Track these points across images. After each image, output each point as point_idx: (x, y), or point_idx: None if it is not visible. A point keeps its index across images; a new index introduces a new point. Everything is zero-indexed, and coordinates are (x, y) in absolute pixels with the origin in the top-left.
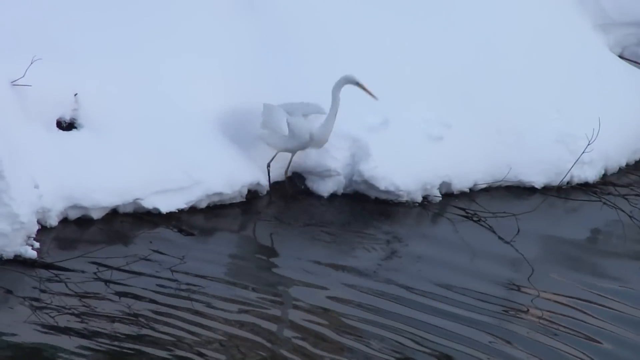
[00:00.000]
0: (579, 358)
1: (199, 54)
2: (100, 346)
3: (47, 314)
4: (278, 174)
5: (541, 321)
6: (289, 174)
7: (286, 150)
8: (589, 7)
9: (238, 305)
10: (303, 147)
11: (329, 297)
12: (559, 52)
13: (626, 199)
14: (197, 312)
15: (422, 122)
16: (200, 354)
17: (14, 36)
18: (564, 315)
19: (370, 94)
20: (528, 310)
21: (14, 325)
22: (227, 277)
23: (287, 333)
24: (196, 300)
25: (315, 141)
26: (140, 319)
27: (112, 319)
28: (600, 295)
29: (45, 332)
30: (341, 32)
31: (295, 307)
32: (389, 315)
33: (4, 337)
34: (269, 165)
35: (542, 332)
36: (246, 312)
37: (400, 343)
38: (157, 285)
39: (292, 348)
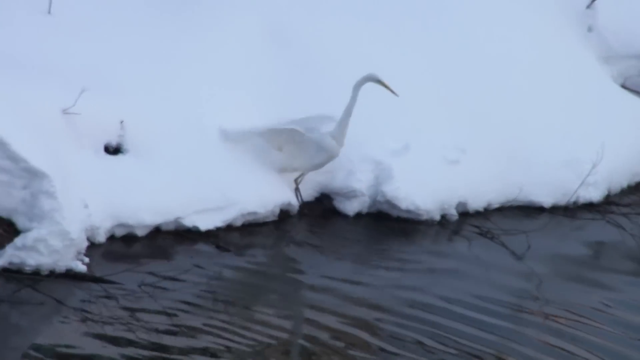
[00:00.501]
0: (583, 357)
1: (232, 82)
2: (145, 355)
3: (96, 323)
4: (307, 194)
5: (549, 324)
6: (300, 182)
7: (314, 167)
8: (593, 40)
9: (270, 316)
10: (328, 160)
11: (352, 308)
12: (566, 82)
13: (628, 217)
14: (233, 322)
15: (439, 147)
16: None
17: (64, 68)
18: (570, 320)
19: (391, 90)
20: (537, 315)
21: (66, 335)
22: (260, 290)
23: (322, 335)
24: (233, 312)
25: (334, 145)
26: (182, 328)
27: (156, 328)
28: (602, 304)
29: (94, 341)
30: (358, 62)
31: (323, 316)
32: (416, 320)
33: (57, 347)
34: (297, 187)
35: (550, 334)
36: (278, 320)
37: (422, 343)
38: (197, 296)
39: (328, 350)
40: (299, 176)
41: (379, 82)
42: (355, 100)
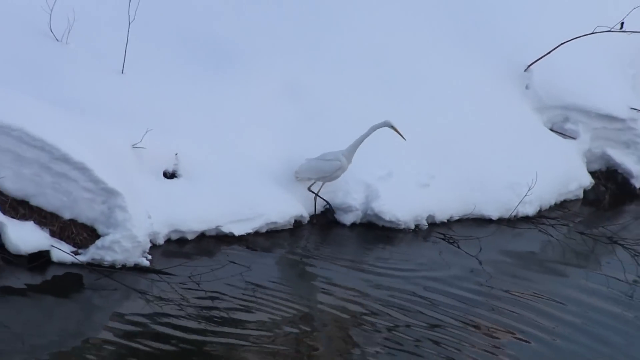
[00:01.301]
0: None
1: (258, 123)
2: (193, 326)
3: (155, 304)
4: (316, 209)
5: (493, 303)
6: (323, 207)
7: (326, 178)
8: (529, 95)
9: (288, 295)
10: (336, 174)
11: (349, 290)
12: (510, 126)
13: (554, 227)
14: (260, 301)
15: (414, 174)
16: (265, 337)
17: (133, 113)
18: (509, 300)
19: (401, 135)
20: (485, 296)
21: (134, 312)
22: (280, 278)
23: (326, 307)
24: (259, 294)
25: (345, 161)
26: (220, 307)
27: (200, 307)
28: (532, 289)
29: (154, 317)
30: (355, 110)
31: (326, 295)
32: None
33: (126, 321)
34: (316, 194)
35: (493, 309)
36: (294, 298)
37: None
38: (232, 284)
39: (329, 317)
40: (313, 184)
41: (392, 127)
42: (367, 136)
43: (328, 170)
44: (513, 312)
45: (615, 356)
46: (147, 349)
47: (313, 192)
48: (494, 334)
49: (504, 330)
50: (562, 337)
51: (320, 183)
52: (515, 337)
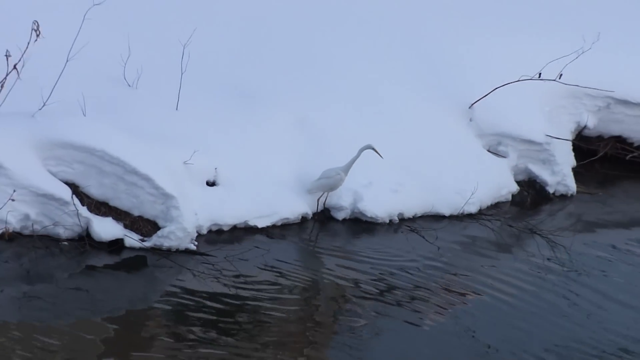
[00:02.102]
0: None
1: (275, 148)
2: (229, 292)
3: (200, 278)
4: (318, 208)
5: (448, 276)
6: (322, 206)
7: (330, 189)
8: (473, 126)
9: (301, 268)
10: (338, 185)
11: (342, 266)
12: (458, 147)
13: (490, 221)
14: (280, 274)
15: (388, 183)
16: (282, 302)
17: (185, 139)
18: (459, 273)
19: (380, 155)
20: (441, 271)
21: (185, 284)
22: (290, 260)
23: (330, 277)
24: (279, 270)
25: (344, 175)
26: (249, 279)
27: (234, 280)
28: (478, 265)
29: (200, 288)
30: (351, 138)
31: (328, 268)
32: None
33: (179, 291)
34: (318, 201)
35: (449, 280)
36: (305, 271)
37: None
38: (257, 263)
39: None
40: (321, 196)
41: (374, 149)
42: (358, 157)
43: (334, 184)
44: (464, 278)
45: (534, 303)
46: (193, 309)
47: (319, 202)
48: (451, 293)
49: (458, 291)
50: (501, 294)
51: (327, 194)
52: (468, 295)
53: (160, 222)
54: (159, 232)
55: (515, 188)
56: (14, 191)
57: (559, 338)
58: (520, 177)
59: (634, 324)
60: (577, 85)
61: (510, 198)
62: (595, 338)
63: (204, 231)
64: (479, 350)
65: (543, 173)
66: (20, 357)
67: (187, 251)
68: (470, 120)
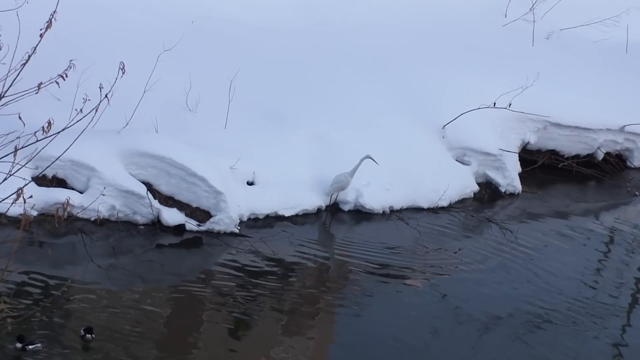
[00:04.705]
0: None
1: (297, 158)
2: (262, 264)
3: (243, 254)
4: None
5: (426, 255)
6: (334, 200)
7: (341, 189)
8: (445, 142)
9: (318, 246)
10: (347, 186)
11: (348, 243)
12: (433, 158)
13: (457, 213)
14: (302, 252)
15: (382, 183)
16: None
17: (230, 150)
18: (434, 251)
19: (376, 162)
20: (418, 252)
21: (230, 257)
22: (309, 240)
23: (342, 255)
24: (302, 247)
25: (350, 179)
26: (277, 256)
27: (266, 255)
28: (450, 247)
29: (241, 259)
30: (357, 151)
31: (338, 247)
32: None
33: (227, 261)
34: (331, 197)
35: (428, 259)
36: (320, 248)
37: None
38: (282, 243)
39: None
40: (332, 194)
41: (371, 158)
42: (360, 164)
43: (344, 185)
44: (439, 254)
45: (490, 273)
46: (236, 275)
47: (331, 198)
48: (429, 267)
49: (434, 265)
50: (466, 267)
51: (337, 193)
52: (442, 268)
53: (212, 212)
54: (211, 219)
55: (476, 188)
56: (104, 188)
57: (510, 297)
58: (480, 180)
59: (564, 285)
60: (522, 112)
61: (472, 195)
62: (537, 296)
63: (245, 219)
64: (450, 309)
65: (497, 177)
66: (108, 311)
67: (232, 233)
68: (443, 137)
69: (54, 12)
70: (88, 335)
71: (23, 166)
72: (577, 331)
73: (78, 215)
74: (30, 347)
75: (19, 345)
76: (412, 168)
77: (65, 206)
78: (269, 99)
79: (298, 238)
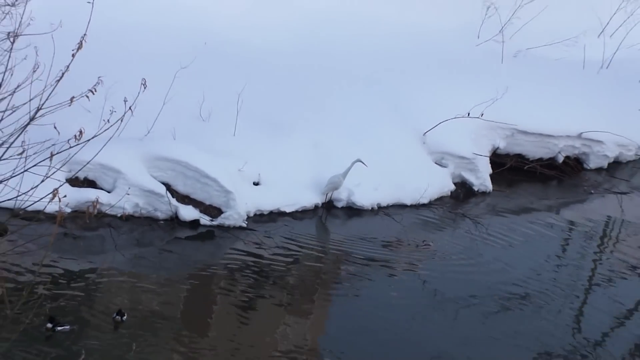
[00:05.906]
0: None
1: (297, 162)
2: (267, 255)
3: (250, 245)
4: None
5: (410, 247)
6: (329, 198)
7: (335, 189)
8: (425, 147)
9: (315, 239)
10: (340, 186)
11: (341, 236)
12: (415, 161)
13: (436, 208)
14: (305, 244)
15: (370, 183)
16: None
17: (239, 155)
18: (418, 242)
19: (365, 165)
20: (403, 242)
21: (239, 248)
22: (308, 233)
23: (338, 245)
24: (296, 240)
25: (343, 179)
26: (279, 246)
27: (272, 247)
28: (430, 240)
29: (248, 249)
30: (349, 157)
31: (334, 239)
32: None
33: (236, 251)
34: (326, 196)
35: (413, 248)
36: (317, 241)
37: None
38: (284, 235)
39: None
40: (327, 193)
41: (361, 162)
42: (351, 167)
43: (337, 185)
44: (421, 245)
45: (465, 260)
46: (244, 263)
47: (326, 196)
48: (413, 256)
49: (417, 254)
50: (445, 255)
51: (332, 192)
52: (424, 257)
53: (223, 208)
54: (222, 215)
55: (453, 187)
56: (129, 188)
57: (483, 282)
58: (456, 180)
59: (530, 271)
60: (493, 121)
61: (449, 194)
62: (507, 281)
63: (251, 214)
64: (431, 292)
65: (471, 177)
66: (131, 297)
67: (240, 227)
68: (424, 143)
69: (84, 34)
70: (118, 317)
71: (58, 169)
72: (541, 309)
73: (106, 212)
74: (59, 328)
75: (49, 325)
76: (397, 170)
77: (95, 204)
78: (273, 111)
79: (297, 231)
